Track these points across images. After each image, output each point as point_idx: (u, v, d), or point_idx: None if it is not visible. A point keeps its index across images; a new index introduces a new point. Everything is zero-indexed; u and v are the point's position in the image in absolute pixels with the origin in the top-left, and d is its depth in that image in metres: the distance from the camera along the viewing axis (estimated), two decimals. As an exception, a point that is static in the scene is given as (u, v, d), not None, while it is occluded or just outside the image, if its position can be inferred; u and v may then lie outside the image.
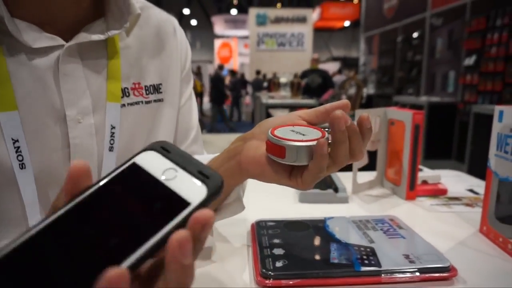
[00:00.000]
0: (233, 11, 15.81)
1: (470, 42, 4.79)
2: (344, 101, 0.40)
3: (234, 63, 14.98)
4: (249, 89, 10.05)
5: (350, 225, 0.58)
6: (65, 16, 0.45)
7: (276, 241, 0.52)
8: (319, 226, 0.57)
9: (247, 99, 10.29)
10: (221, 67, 8.69)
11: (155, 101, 0.53)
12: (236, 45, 15.17)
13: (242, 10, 14.94)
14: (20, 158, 0.41)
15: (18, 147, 0.41)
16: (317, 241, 0.53)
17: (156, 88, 0.54)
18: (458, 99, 5.06)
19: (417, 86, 6.36)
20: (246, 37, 13.74)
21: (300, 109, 0.44)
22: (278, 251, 0.49)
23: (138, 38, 0.53)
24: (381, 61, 8.13)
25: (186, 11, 16.80)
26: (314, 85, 5.31)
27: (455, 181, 0.89)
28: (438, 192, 0.79)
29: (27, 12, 0.42)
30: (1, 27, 0.40)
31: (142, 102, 0.52)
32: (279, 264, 0.45)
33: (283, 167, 0.39)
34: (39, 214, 0.43)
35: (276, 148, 0.38)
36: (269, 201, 0.77)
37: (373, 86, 8.49)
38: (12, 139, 0.41)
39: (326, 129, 0.40)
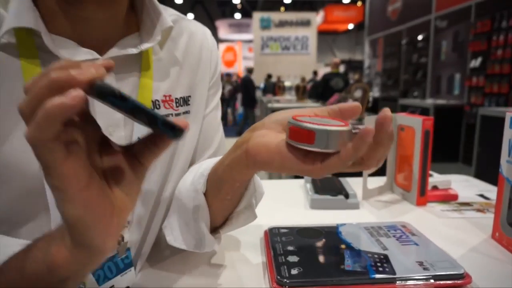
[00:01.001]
0: (237, 15, 15.88)
1: (476, 44, 4.77)
2: (356, 103, 0.39)
3: (239, 67, 15.02)
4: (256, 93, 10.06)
5: (363, 232, 0.58)
6: (100, 32, 0.46)
7: (290, 248, 0.52)
8: (331, 233, 0.58)
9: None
10: (250, 71, 8.47)
11: (183, 113, 0.54)
12: (241, 49, 15.24)
13: (246, 14, 15.02)
14: None
15: None
16: (330, 248, 0.53)
17: (185, 100, 0.55)
18: (464, 101, 5.04)
19: (423, 89, 6.35)
20: (250, 41, 13.79)
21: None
22: (293, 258, 0.49)
23: (170, 51, 0.54)
24: (386, 63, 8.12)
25: (190, 16, 16.89)
26: (337, 88, 5.36)
27: (464, 186, 0.90)
28: (448, 198, 0.79)
29: (63, 29, 0.43)
30: (39, 42, 0.41)
31: (172, 114, 0.52)
32: (294, 271, 0.46)
33: (298, 152, 0.36)
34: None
35: (303, 133, 0.34)
36: (280, 207, 0.78)
37: (378, 89, 8.48)
38: None
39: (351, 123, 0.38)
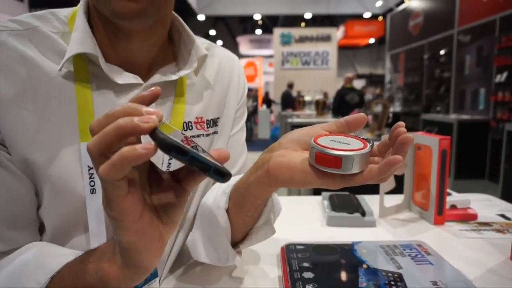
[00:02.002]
0: (258, 31, 16.14)
1: (501, 58, 4.67)
2: (361, 114, 0.41)
3: (259, 82, 15.17)
4: (274, 107, 10.13)
5: (378, 250, 0.59)
6: (142, 60, 0.52)
7: (306, 264, 0.54)
8: (347, 251, 0.59)
9: (272, 117, 10.36)
10: (291, 86, 8.54)
11: (212, 133, 0.59)
12: (261, 64, 15.40)
13: (267, 30, 15.23)
14: (92, 183, 0.47)
15: (92, 174, 0.47)
16: (345, 265, 0.54)
17: (215, 122, 0.60)
18: (490, 116, 4.91)
19: (446, 104, 6.23)
20: (271, 56, 13.94)
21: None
22: (308, 275, 0.51)
23: (203, 76, 0.59)
24: (407, 78, 8.03)
25: (212, 32, 17.31)
26: (353, 103, 5.37)
27: (485, 205, 0.88)
28: (467, 217, 0.79)
29: (112, 57, 0.50)
30: (94, 70, 0.48)
31: (203, 135, 0.57)
32: (309, 287, 0.48)
33: (319, 170, 0.38)
34: (104, 237, 0.48)
35: (330, 160, 0.37)
36: (297, 223, 0.79)
37: (400, 103, 8.37)
38: (88, 167, 0.47)
39: (364, 138, 0.40)
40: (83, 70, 0.47)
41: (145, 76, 0.52)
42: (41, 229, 0.49)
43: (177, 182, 0.33)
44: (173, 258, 0.57)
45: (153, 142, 0.27)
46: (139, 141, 0.30)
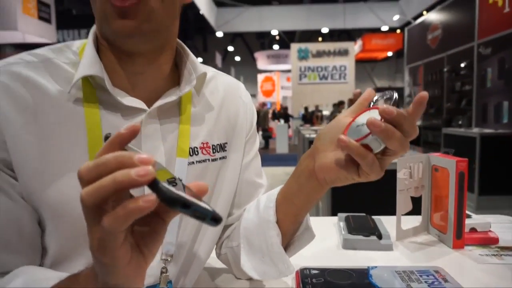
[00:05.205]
0: (275, 47, 16.30)
1: (524, 71, 4.55)
2: (369, 89, 0.49)
3: (277, 97, 15.24)
4: (292, 122, 10.13)
5: (394, 276, 0.58)
6: (149, 86, 0.54)
7: (320, 290, 0.54)
8: (362, 276, 0.58)
9: (290, 132, 10.35)
10: (306, 108, 8.86)
11: (220, 158, 0.60)
12: (279, 78, 15.50)
13: (284, 45, 15.38)
14: None
15: None
16: (360, 292, 0.54)
17: (222, 147, 0.60)
18: (515, 130, 4.76)
19: (468, 117, 6.08)
20: (288, 71, 14.03)
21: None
22: (322, 301, 0.51)
23: (208, 102, 0.61)
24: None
25: (231, 48, 17.61)
26: None
27: (507, 228, 0.86)
28: (488, 241, 0.77)
29: (121, 83, 0.52)
30: (101, 95, 0.50)
31: (209, 160, 0.58)
32: (323, 315, 0.48)
33: (353, 166, 0.44)
34: None
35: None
36: (313, 246, 0.79)
37: (420, 117, 8.23)
38: None
39: (387, 95, 0.46)
40: (91, 94, 0.50)
41: (151, 102, 0.53)
42: (44, 254, 0.50)
43: (156, 214, 0.33)
44: (191, 280, 0.58)
45: (153, 194, 0.27)
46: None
